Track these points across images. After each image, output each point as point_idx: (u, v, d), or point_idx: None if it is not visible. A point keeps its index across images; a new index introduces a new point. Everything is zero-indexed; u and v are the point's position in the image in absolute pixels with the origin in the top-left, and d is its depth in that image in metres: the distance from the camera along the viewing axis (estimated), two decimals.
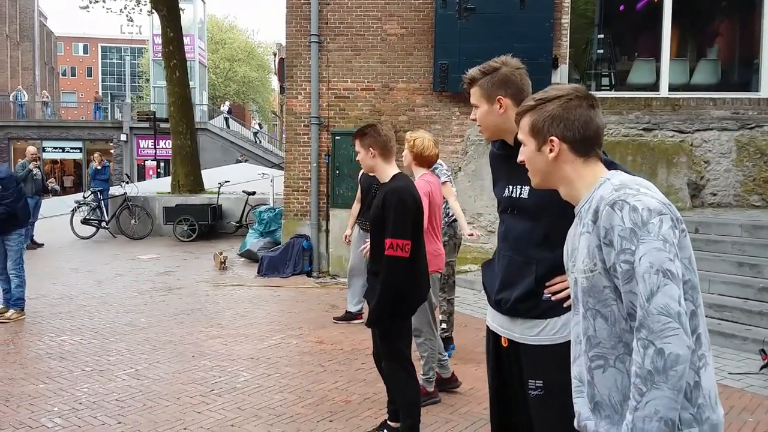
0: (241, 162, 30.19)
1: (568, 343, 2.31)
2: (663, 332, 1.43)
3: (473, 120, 2.58)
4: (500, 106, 2.45)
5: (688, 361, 1.45)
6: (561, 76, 9.21)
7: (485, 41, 8.58)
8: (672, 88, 9.38)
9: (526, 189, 2.43)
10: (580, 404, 1.76)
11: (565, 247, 1.90)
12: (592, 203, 1.67)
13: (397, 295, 3.49)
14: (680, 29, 9.85)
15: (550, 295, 2.36)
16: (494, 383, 2.57)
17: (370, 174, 3.93)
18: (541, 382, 2.35)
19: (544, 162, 1.81)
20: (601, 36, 10.40)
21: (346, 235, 6.86)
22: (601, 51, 10.39)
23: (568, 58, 9.32)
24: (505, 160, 2.54)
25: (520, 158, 1.89)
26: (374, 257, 3.65)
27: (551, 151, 1.78)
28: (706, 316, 6.04)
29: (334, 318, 6.98)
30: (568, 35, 9.31)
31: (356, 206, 6.82)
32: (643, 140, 9.15)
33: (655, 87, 9.46)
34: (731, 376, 5.14)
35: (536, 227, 2.40)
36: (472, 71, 2.51)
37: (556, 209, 2.34)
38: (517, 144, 2.39)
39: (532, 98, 1.85)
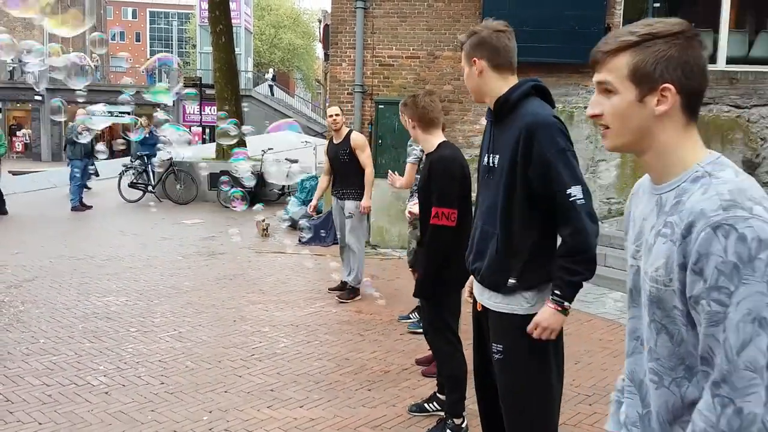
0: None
1: (529, 316, 2.46)
2: (746, 389, 1.25)
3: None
4: (474, 66, 2.54)
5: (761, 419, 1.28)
6: None
7: (535, 8, 8.34)
8: (729, 61, 9.00)
9: (496, 158, 2.51)
10: (629, 406, 1.55)
11: (628, 218, 1.59)
12: (683, 206, 1.31)
13: (444, 265, 3.44)
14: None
15: (514, 280, 2.47)
16: (475, 344, 2.77)
17: (417, 143, 3.87)
18: (501, 346, 2.51)
19: (645, 118, 1.36)
20: (657, 5, 10.00)
21: (311, 206, 6.82)
22: None
23: (621, 26, 9.01)
24: (489, 127, 2.65)
25: (594, 111, 1.43)
26: (424, 228, 3.61)
27: (659, 103, 1.34)
28: None
29: (329, 289, 6.88)
30: (622, 3, 8.99)
31: (324, 179, 6.72)
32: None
33: (711, 59, 9.08)
34: None
35: (500, 197, 2.47)
36: (461, 36, 2.62)
37: (518, 181, 2.43)
38: (497, 111, 2.53)
39: (630, 31, 1.37)
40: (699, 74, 1.35)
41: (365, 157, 6.34)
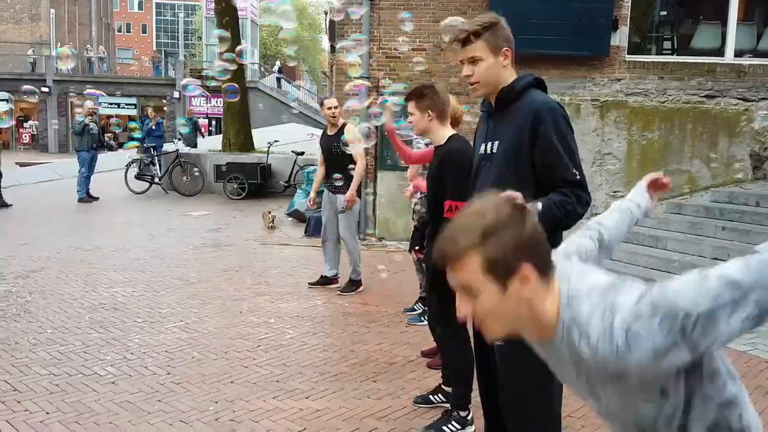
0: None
1: None
2: None
3: (467, 76, 2.60)
4: (505, 58, 2.57)
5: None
6: (621, 38, 8.87)
7: (543, 1, 8.31)
8: (738, 53, 8.95)
9: (496, 143, 2.59)
10: None
11: None
12: (584, 354, 1.37)
13: None
14: None
15: None
16: (475, 337, 2.87)
17: (425, 135, 3.84)
18: None
19: (515, 303, 1.38)
20: None
21: (311, 199, 6.79)
22: (665, 13, 9.95)
23: (629, 19, 8.97)
24: (487, 117, 2.71)
25: (465, 312, 1.40)
26: (434, 223, 3.60)
27: (523, 284, 1.36)
28: None
29: (309, 283, 6.83)
30: None
31: (320, 170, 6.69)
32: (705, 108, 8.79)
33: (719, 52, 9.04)
34: None
35: (502, 179, 2.52)
36: (472, 26, 2.56)
37: (522, 162, 2.52)
38: (501, 99, 2.60)
39: (469, 229, 1.35)
40: (540, 239, 1.37)
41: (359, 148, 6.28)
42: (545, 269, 1.38)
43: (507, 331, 1.42)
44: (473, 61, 2.56)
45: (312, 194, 6.81)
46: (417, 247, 4.32)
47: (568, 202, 2.46)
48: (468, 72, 2.59)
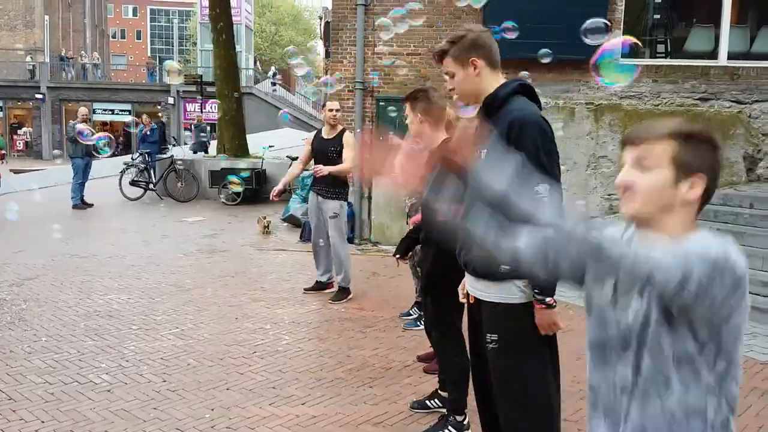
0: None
1: (523, 305, 2.53)
2: None
3: (450, 90, 2.67)
4: (474, 68, 2.56)
5: None
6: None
7: (537, 3, 8.33)
8: (731, 56, 8.98)
9: (484, 152, 2.57)
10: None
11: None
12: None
13: (451, 261, 3.42)
14: None
15: (508, 266, 2.49)
16: (471, 344, 2.84)
17: (418, 138, 3.85)
18: (496, 336, 2.56)
19: (674, 198, 1.53)
20: (658, 0, 10.00)
21: (277, 191, 6.54)
22: (658, 16, 9.99)
23: (622, 23, 8.99)
24: (480, 123, 2.69)
25: (626, 180, 1.56)
26: (427, 226, 3.60)
27: (691, 189, 1.52)
28: (759, 295, 5.82)
29: (304, 289, 6.80)
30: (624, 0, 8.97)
31: (298, 167, 6.72)
32: (699, 111, 8.82)
33: (713, 55, 9.07)
34: None
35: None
36: (440, 45, 2.63)
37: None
38: (486, 108, 2.58)
39: (678, 124, 1.55)
40: (718, 174, 1.55)
41: (351, 154, 6.23)
42: (709, 195, 1.54)
43: (643, 212, 1.53)
44: (451, 74, 2.63)
45: (279, 186, 6.50)
46: (398, 256, 4.34)
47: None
48: (450, 85, 2.66)
